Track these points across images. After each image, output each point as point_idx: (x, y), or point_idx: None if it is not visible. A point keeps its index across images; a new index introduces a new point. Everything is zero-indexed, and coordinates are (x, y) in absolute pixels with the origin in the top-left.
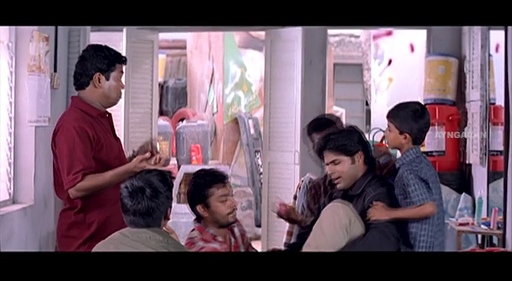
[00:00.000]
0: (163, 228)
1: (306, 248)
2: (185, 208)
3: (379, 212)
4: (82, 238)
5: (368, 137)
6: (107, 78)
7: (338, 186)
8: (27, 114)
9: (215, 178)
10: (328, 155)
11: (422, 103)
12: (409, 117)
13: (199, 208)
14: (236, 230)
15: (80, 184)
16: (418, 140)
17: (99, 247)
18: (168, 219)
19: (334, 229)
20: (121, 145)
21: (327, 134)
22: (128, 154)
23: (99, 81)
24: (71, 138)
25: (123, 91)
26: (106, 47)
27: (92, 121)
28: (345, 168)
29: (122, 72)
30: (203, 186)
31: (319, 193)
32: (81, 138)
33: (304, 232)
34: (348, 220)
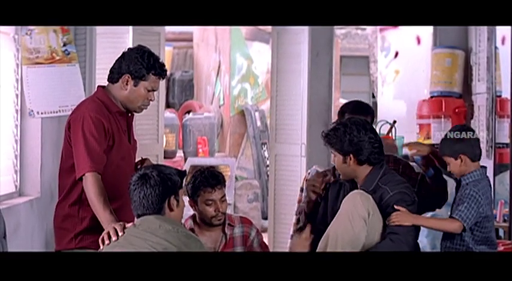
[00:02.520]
0: None
1: (324, 240)
2: None
3: (404, 218)
4: (74, 232)
5: None
6: (135, 85)
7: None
8: (35, 107)
9: (205, 181)
10: (329, 147)
11: (428, 95)
12: (458, 140)
13: (189, 202)
14: (237, 230)
15: (91, 180)
16: (476, 156)
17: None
18: (172, 210)
19: (358, 219)
20: (135, 147)
21: (332, 127)
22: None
23: (126, 84)
24: (88, 128)
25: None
26: (149, 54)
27: (108, 116)
28: (338, 164)
29: (156, 86)
30: (194, 185)
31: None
32: (97, 129)
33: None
34: (367, 213)
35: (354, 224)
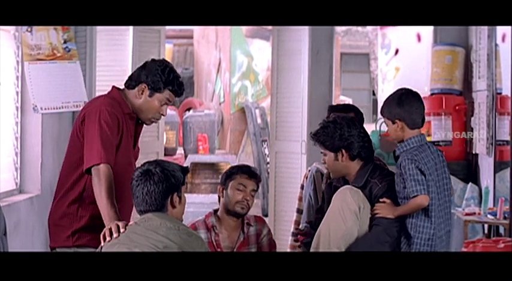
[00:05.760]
0: None
1: (317, 237)
2: (192, 197)
3: (386, 210)
4: (71, 229)
5: (375, 126)
6: (150, 95)
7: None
8: (39, 102)
9: (245, 169)
10: (319, 146)
11: (429, 93)
12: (394, 103)
13: (219, 187)
14: (252, 229)
15: (104, 171)
16: (414, 123)
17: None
18: (175, 207)
19: (349, 213)
20: (137, 156)
21: (320, 125)
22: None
23: (142, 93)
24: (105, 121)
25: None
26: (170, 69)
27: (122, 114)
28: (329, 162)
29: (170, 101)
30: (231, 171)
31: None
32: (113, 122)
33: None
34: (358, 207)
35: (346, 219)
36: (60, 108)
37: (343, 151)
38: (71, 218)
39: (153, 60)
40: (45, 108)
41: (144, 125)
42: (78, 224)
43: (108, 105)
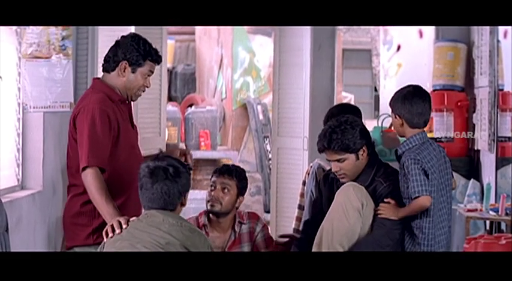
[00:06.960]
0: None
1: (320, 233)
2: (194, 193)
3: (389, 211)
4: (92, 226)
5: (377, 123)
6: (133, 71)
7: (342, 181)
8: (30, 101)
9: (219, 169)
10: (332, 155)
11: (431, 89)
12: (399, 99)
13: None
14: (245, 227)
15: (91, 174)
16: (413, 123)
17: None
18: (184, 205)
19: (353, 211)
20: (137, 134)
21: (328, 133)
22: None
23: (124, 71)
24: (92, 121)
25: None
26: (144, 41)
27: (112, 105)
28: (350, 165)
29: (152, 71)
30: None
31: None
32: (102, 121)
33: (314, 219)
34: (361, 203)
35: (349, 216)
36: (47, 107)
37: (364, 147)
38: (88, 216)
39: (123, 37)
40: (34, 107)
41: (145, 122)
42: (97, 221)
43: (96, 102)
